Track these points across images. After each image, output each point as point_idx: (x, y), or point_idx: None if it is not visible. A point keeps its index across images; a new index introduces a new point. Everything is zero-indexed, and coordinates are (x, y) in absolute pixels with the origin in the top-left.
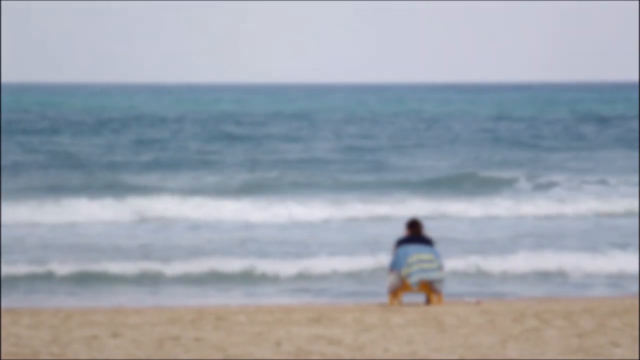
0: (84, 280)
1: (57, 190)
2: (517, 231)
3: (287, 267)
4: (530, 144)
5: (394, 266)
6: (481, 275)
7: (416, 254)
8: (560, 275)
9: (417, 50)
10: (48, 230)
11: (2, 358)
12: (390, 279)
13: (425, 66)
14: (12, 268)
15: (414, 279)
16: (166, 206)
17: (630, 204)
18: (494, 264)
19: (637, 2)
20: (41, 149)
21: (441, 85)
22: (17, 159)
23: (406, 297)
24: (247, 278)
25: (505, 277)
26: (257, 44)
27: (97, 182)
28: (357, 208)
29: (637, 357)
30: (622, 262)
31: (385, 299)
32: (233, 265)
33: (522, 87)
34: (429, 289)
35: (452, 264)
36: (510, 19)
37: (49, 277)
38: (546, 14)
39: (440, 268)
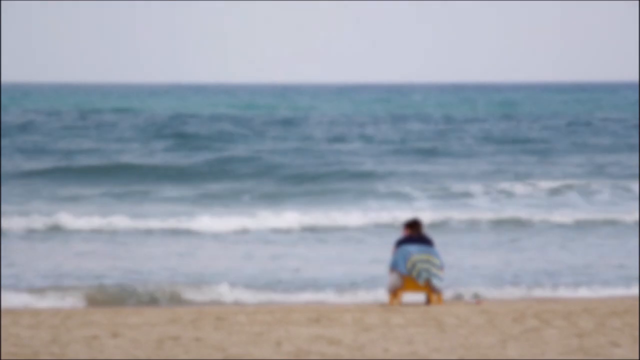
0: None
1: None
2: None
3: None
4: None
5: (394, 266)
6: None
7: (416, 254)
8: None
9: (415, 49)
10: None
11: (2, 358)
12: (391, 279)
13: (423, 65)
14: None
15: (422, 278)
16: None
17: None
18: None
19: (637, 2)
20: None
21: (440, 85)
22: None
23: (406, 297)
24: None
25: None
26: (259, 43)
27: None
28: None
29: (637, 357)
30: None
31: (385, 299)
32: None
33: (516, 88)
34: (429, 289)
35: None
36: (507, 18)
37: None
38: (544, 13)
39: (440, 268)
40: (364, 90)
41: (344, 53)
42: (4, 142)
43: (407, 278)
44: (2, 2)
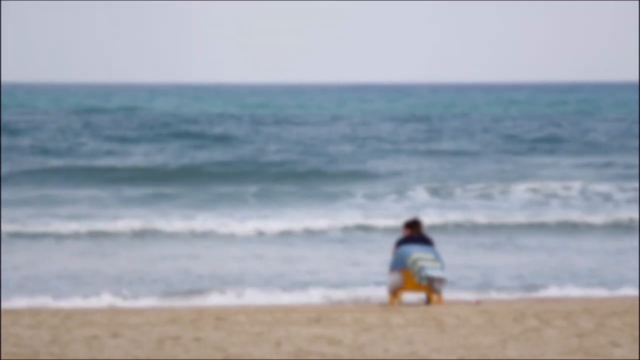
0: None
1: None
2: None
3: None
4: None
5: (395, 266)
6: None
7: (416, 253)
8: None
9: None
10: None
11: (2, 358)
12: (391, 279)
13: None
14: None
15: (422, 275)
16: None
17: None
18: None
19: (637, 2)
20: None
21: (437, 85)
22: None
23: (406, 297)
24: None
25: None
26: (262, 43)
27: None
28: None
29: (637, 357)
30: None
31: (385, 299)
32: None
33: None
34: (429, 289)
35: None
36: (507, 19)
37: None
38: (546, 14)
39: (442, 268)
40: (367, 90)
41: (348, 53)
42: (4, 142)
43: (408, 277)
44: (2, 2)
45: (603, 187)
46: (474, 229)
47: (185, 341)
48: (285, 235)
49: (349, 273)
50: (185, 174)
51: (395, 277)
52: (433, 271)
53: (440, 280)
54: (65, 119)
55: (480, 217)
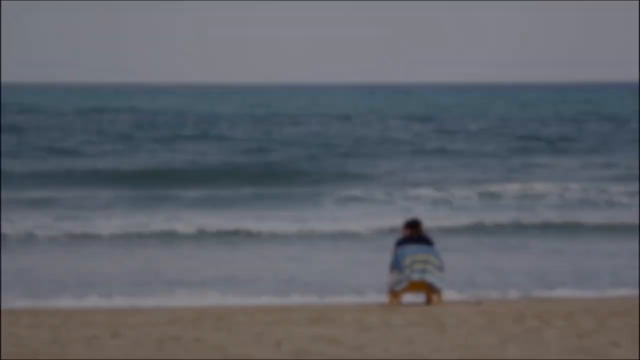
0: None
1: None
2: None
3: None
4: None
5: (394, 266)
6: None
7: (414, 254)
8: None
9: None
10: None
11: (2, 358)
12: (390, 279)
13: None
14: None
15: (415, 276)
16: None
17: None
18: None
19: (637, 2)
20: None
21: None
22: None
23: (406, 297)
24: None
25: None
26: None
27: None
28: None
29: (637, 357)
30: None
31: (385, 299)
32: None
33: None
34: (429, 289)
35: None
36: (508, 20)
37: None
38: (545, 15)
39: (440, 268)
40: (369, 90)
41: (349, 54)
42: (6, 142)
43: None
44: (1, 2)
45: (604, 188)
46: (475, 229)
47: (186, 341)
48: (285, 236)
49: (349, 273)
50: (186, 174)
51: (395, 278)
52: (424, 275)
53: (437, 281)
54: (66, 119)
55: (482, 218)
